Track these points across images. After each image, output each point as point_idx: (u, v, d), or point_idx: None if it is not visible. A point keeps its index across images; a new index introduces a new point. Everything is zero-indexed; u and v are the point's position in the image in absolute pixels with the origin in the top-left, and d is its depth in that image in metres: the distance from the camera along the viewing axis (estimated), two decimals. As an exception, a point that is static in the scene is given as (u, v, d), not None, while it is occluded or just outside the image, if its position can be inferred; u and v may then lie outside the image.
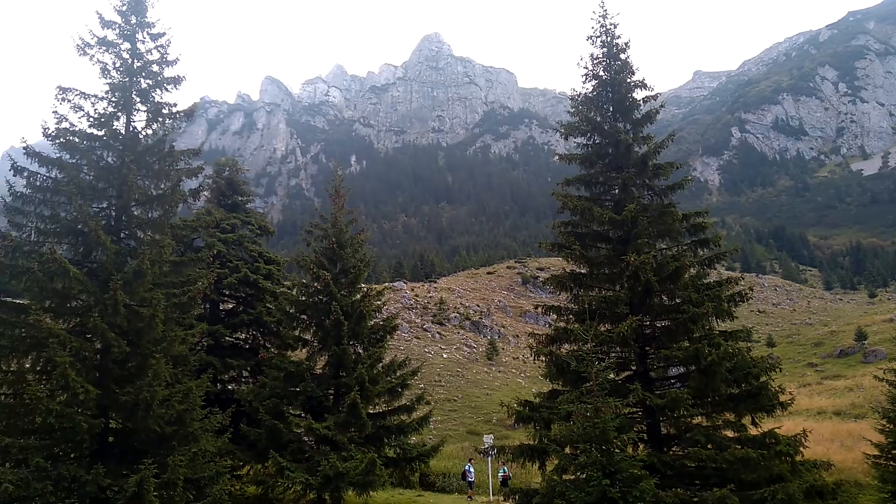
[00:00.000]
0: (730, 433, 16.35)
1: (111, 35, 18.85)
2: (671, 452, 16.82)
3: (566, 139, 21.25)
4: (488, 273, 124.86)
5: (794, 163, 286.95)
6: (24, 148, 17.97)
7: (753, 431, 16.26)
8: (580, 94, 20.88)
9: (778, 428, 16.18)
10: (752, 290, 17.87)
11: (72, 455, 16.37)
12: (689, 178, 20.74)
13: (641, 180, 19.61)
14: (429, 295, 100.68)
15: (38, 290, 16.73)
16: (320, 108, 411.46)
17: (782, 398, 16.60)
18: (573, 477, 15.10)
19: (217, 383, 24.36)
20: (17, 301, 17.25)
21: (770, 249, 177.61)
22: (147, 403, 16.06)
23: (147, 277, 17.40)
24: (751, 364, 16.44)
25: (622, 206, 18.86)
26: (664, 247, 19.30)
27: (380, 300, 24.63)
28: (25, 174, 17.81)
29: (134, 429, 16.71)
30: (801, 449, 15.37)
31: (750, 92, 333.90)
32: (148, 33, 19.23)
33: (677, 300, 18.02)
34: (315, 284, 23.41)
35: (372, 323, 23.95)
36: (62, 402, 15.62)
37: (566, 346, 19.01)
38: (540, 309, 20.34)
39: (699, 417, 17.26)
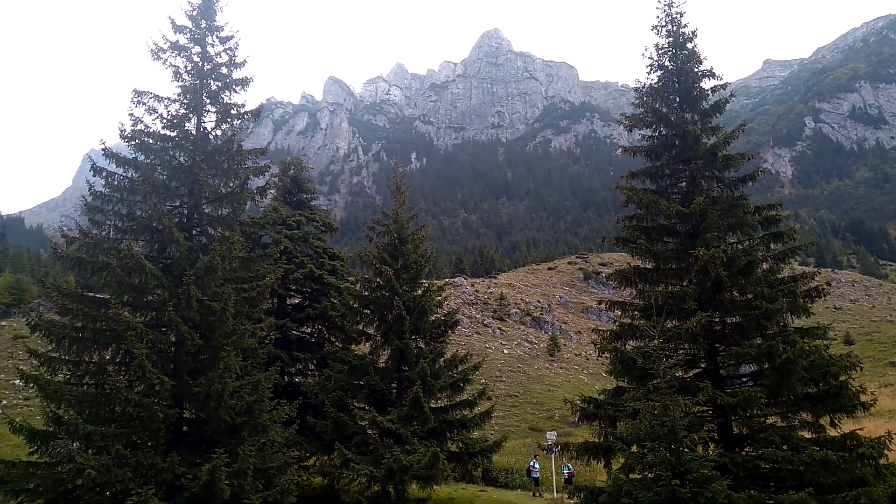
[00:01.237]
0: (807, 434, 15.63)
1: (182, 39, 19.54)
2: (743, 453, 16.21)
3: (630, 131, 20.79)
4: (549, 269, 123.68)
5: (873, 153, 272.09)
6: (102, 150, 18.86)
7: (832, 433, 15.51)
8: (645, 85, 20.39)
9: (859, 429, 15.38)
10: (829, 285, 17.03)
11: (149, 443, 17.09)
12: (761, 169, 19.94)
13: (710, 172, 18.98)
14: (489, 290, 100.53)
15: (116, 285, 17.53)
16: (381, 107, 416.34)
17: (863, 398, 15.76)
18: (640, 476, 14.77)
19: (284, 376, 24.99)
20: (98, 296, 18.12)
21: (847, 243, 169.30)
22: (219, 394, 16.60)
23: (218, 273, 17.99)
24: (829, 362, 15.68)
25: (690, 198, 18.30)
26: (734, 241, 18.62)
27: (441, 295, 24.73)
28: (104, 174, 18.68)
29: (206, 419, 17.31)
30: (886, 452, 14.54)
31: (824, 80, 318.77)
32: (217, 36, 19.86)
33: (749, 296, 17.35)
34: (377, 280, 23.69)
35: (433, 318, 24.06)
36: (140, 393, 16.33)
37: (631, 342, 18.61)
38: (604, 305, 19.97)
39: (773, 417, 16.58)
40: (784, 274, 18.03)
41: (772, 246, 18.36)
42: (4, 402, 54.28)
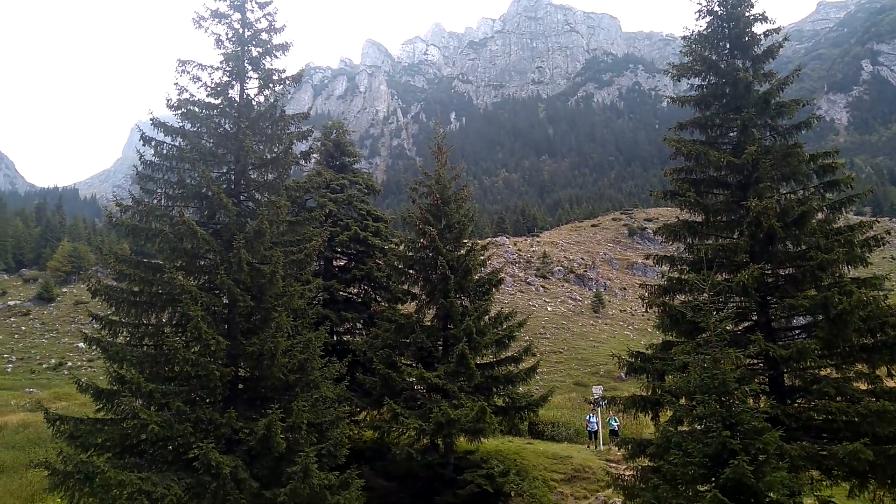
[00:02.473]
0: (862, 386, 15.30)
1: (223, 7, 19.61)
2: (796, 405, 16.01)
3: (677, 81, 20.18)
4: (592, 225, 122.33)
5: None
6: (150, 119, 19.29)
7: (889, 384, 15.14)
8: (693, 32, 19.66)
9: (919, 381, 15.00)
10: (888, 233, 16.43)
11: (207, 400, 17.81)
12: (815, 115, 19.15)
13: (762, 120, 18.33)
14: (531, 249, 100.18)
15: (169, 251, 18.09)
16: (419, 68, 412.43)
17: (923, 349, 15.31)
18: (689, 429, 14.76)
19: (333, 335, 25.57)
20: (153, 261, 18.74)
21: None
22: (272, 353, 17.14)
23: (266, 236, 18.38)
24: (887, 312, 15.22)
25: (741, 148, 17.75)
26: (788, 191, 18.06)
27: (484, 254, 24.78)
28: (153, 143, 19.12)
29: (261, 376, 17.91)
30: (946, 403, 14.15)
31: (884, 20, 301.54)
32: (256, 2, 19.85)
33: (803, 247, 16.87)
34: (421, 240, 23.85)
35: (477, 276, 24.17)
36: (196, 353, 16.98)
37: (680, 296, 18.39)
38: (651, 260, 19.71)
39: (827, 369, 16.28)
40: (840, 224, 17.46)
41: (827, 195, 17.76)
42: (69, 363, 57.08)
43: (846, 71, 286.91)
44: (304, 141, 21.29)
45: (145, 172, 19.18)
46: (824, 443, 15.07)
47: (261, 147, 20.01)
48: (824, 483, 15.46)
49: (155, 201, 19.02)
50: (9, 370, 55.15)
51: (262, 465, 16.77)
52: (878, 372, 15.42)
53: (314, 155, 24.75)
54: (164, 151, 19.15)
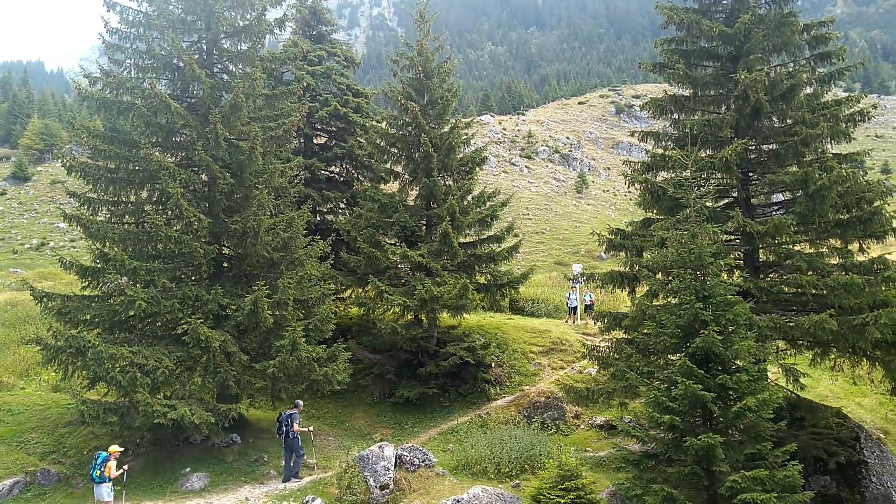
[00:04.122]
0: (834, 260, 15.73)
1: None
2: (768, 279, 16.51)
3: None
4: (579, 103, 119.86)
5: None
6: (113, -16, 18.00)
7: (860, 259, 15.57)
8: None
9: (887, 254, 15.41)
10: (875, 108, 16.24)
11: (192, 278, 18.02)
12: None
13: (758, -13, 17.51)
14: (517, 128, 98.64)
15: (143, 126, 17.55)
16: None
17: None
18: (663, 302, 15.25)
19: (316, 214, 25.54)
20: (128, 137, 18.21)
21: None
22: (255, 231, 17.15)
23: (243, 111, 17.84)
24: (865, 188, 15.39)
25: (735, 17, 17.06)
26: (778, 63, 17.61)
27: (468, 132, 24.33)
28: (118, 9, 18.04)
29: (245, 255, 18.04)
30: (913, 276, 14.65)
31: None
32: None
33: (789, 122, 16.70)
34: (404, 117, 23.28)
35: (461, 155, 23.86)
36: (179, 230, 16.95)
37: (662, 173, 18.37)
38: (636, 136, 19.46)
39: (801, 245, 16.66)
40: (827, 98, 17.20)
41: (818, 69, 17.36)
42: (52, 243, 56.98)
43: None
44: (277, 6, 20.19)
45: (112, 41, 18.25)
46: (792, 315, 15.70)
47: (232, 14, 18.97)
48: (788, 352, 16.30)
49: (125, 73, 18.25)
50: (-9, 250, 55.05)
51: (251, 339, 17.27)
52: (849, 247, 15.81)
53: (289, 23, 23.48)
54: (130, 18, 18.14)
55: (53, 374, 19.12)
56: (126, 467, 13.80)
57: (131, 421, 15.07)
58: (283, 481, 15.71)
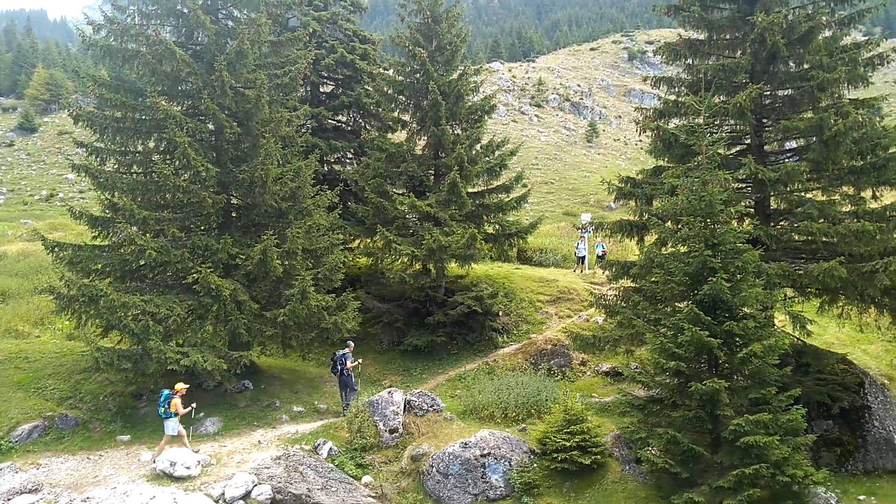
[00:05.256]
0: (846, 208, 15.56)
1: None
2: (779, 227, 16.39)
3: None
4: (591, 49, 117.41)
5: None
6: (111, -75, 17.53)
7: (873, 206, 15.39)
8: None
9: (901, 202, 15.23)
10: (895, 51, 15.77)
11: (202, 227, 18.09)
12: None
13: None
14: (527, 76, 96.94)
15: (149, 74, 17.33)
16: None
17: (911, 169, 15.38)
18: (672, 250, 15.22)
19: (324, 164, 25.40)
20: (135, 86, 18.02)
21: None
22: (262, 180, 17.11)
23: (249, 58, 17.57)
24: (881, 134, 15.10)
25: (752, -44, 16.51)
26: (797, 5, 17.07)
27: (477, 79, 23.92)
28: (118, -48, 17.65)
29: (253, 204, 18.04)
30: (926, 223, 14.50)
31: None
32: None
33: (805, 66, 16.31)
34: (411, 64, 22.89)
35: (469, 103, 23.53)
36: (187, 180, 16.94)
37: (675, 120, 18.07)
38: (649, 82, 19.08)
39: (814, 192, 16.48)
40: (846, 42, 16.73)
41: (837, 11, 16.84)
42: (61, 194, 57.19)
43: None
44: (281, -50, 19.70)
45: (115, -14, 17.89)
46: (801, 263, 15.65)
47: (234, -44, 18.50)
48: (796, 300, 16.29)
49: (128, 20, 17.91)
50: (0, 202, 55.38)
51: (261, 288, 17.43)
52: (862, 194, 15.61)
53: (293, -32, 22.91)
54: (131, -39, 17.72)
55: (67, 322, 19.43)
56: (194, 405, 14.31)
57: (145, 367, 15.37)
58: (343, 413, 16.45)
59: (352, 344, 17.79)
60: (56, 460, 14.10)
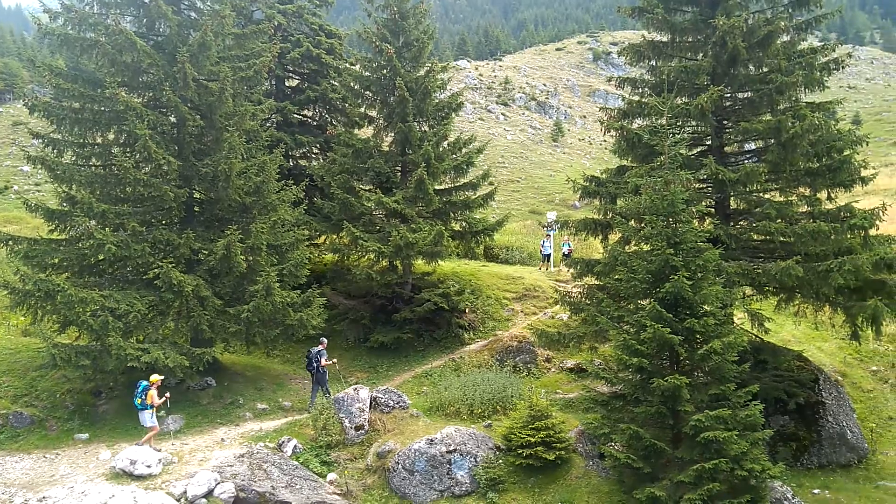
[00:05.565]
0: (802, 208, 16.01)
1: None
2: (738, 226, 16.78)
3: None
4: (557, 49, 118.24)
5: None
6: None
7: (828, 206, 15.86)
8: None
9: (854, 202, 15.70)
10: (849, 56, 16.28)
11: (163, 222, 17.73)
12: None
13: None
14: (493, 74, 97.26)
15: (108, 64, 16.88)
16: None
17: (864, 173, 15.89)
18: (636, 248, 15.46)
19: (289, 159, 25.15)
20: (94, 76, 17.55)
21: (874, 17, 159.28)
22: (226, 174, 16.84)
23: (212, 50, 17.28)
24: (836, 137, 15.57)
25: (714, -39, 16.84)
26: (757, 10, 17.49)
27: (444, 76, 23.93)
28: (74, -63, 17.15)
29: (216, 199, 17.74)
30: (877, 223, 14.98)
31: None
32: None
33: (765, 69, 16.71)
34: (378, 59, 22.79)
35: (437, 100, 23.53)
36: (148, 173, 16.58)
37: (638, 121, 18.33)
38: (613, 82, 19.35)
39: (772, 193, 16.90)
40: (803, 46, 17.21)
41: (795, 16, 17.29)
42: (16, 187, 55.44)
43: None
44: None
45: (72, -27, 17.38)
46: (760, 261, 16.04)
47: (199, -52, 18.16)
48: (755, 298, 16.70)
49: (87, 8, 17.44)
50: (-48, 194, 53.39)
51: (225, 284, 17.16)
52: (818, 195, 16.07)
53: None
54: (88, -53, 17.25)
55: (23, 318, 18.88)
56: (168, 395, 14.14)
57: (104, 364, 15.02)
58: (309, 410, 16.43)
59: (325, 340, 17.77)
60: (10, 459, 13.69)
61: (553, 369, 20.04)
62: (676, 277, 12.54)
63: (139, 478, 12.63)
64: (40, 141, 17.21)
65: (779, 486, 13.39)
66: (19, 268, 15.42)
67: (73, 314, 14.68)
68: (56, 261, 16.17)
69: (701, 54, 17.72)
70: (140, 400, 13.65)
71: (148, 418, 13.72)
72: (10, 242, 15.97)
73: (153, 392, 13.70)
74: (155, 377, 13.94)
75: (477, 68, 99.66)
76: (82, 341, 16.08)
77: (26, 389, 16.11)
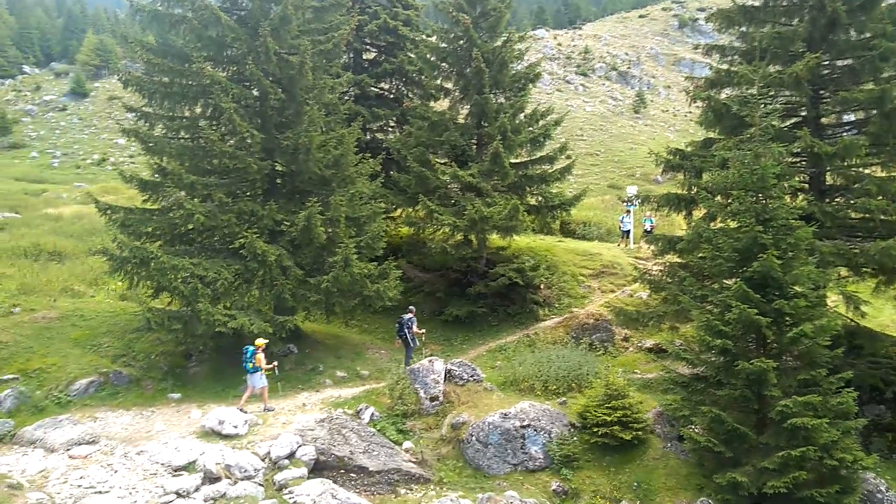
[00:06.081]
0: (907, 184, 14.89)
1: None
2: (834, 203, 15.80)
3: None
4: (640, 16, 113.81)
5: None
6: None
7: (936, 182, 14.68)
8: None
9: (966, 178, 14.50)
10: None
11: (248, 193, 18.35)
12: None
13: None
14: (573, 43, 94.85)
15: (195, 39, 17.51)
16: None
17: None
18: (722, 225, 14.82)
19: (366, 132, 25.40)
20: (181, 51, 18.20)
21: None
22: (306, 147, 17.20)
23: (292, 24, 17.59)
24: (949, 106, 14.36)
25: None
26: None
27: (521, 46, 23.49)
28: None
29: (297, 171, 18.17)
30: None
31: None
32: None
33: (867, 34, 15.52)
34: (455, 30, 22.59)
35: (513, 71, 23.17)
36: (233, 146, 17.16)
37: (727, 90, 17.48)
38: (700, 50, 18.46)
39: (873, 168, 15.79)
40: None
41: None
42: (112, 159, 58.61)
43: None
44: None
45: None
46: (857, 241, 15.08)
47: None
48: (850, 279, 15.75)
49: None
50: (55, 165, 57.11)
51: (305, 254, 17.65)
52: (926, 170, 14.92)
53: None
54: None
55: (120, 283, 20.05)
56: (276, 362, 15.20)
57: (194, 329, 15.80)
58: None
59: (413, 308, 18.14)
60: (111, 415, 14.69)
61: (631, 349, 19.65)
62: (765, 256, 11.96)
63: (227, 437, 13.30)
64: (134, 114, 18.06)
65: (871, 479, 12.73)
66: (117, 235, 16.34)
67: (166, 280, 15.48)
68: (150, 229, 17.05)
69: (796, 19, 16.61)
70: (251, 364, 14.51)
71: (258, 380, 14.61)
72: (109, 211, 16.92)
73: (260, 355, 14.54)
74: (260, 341, 14.78)
75: (555, 37, 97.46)
76: (174, 306, 16.94)
77: (124, 350, 17.15)
